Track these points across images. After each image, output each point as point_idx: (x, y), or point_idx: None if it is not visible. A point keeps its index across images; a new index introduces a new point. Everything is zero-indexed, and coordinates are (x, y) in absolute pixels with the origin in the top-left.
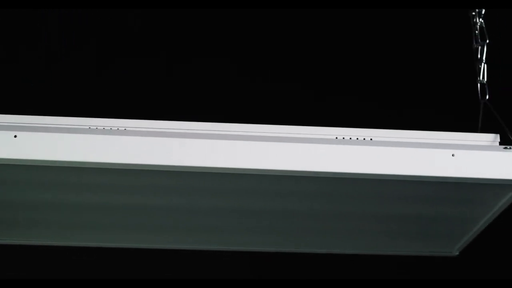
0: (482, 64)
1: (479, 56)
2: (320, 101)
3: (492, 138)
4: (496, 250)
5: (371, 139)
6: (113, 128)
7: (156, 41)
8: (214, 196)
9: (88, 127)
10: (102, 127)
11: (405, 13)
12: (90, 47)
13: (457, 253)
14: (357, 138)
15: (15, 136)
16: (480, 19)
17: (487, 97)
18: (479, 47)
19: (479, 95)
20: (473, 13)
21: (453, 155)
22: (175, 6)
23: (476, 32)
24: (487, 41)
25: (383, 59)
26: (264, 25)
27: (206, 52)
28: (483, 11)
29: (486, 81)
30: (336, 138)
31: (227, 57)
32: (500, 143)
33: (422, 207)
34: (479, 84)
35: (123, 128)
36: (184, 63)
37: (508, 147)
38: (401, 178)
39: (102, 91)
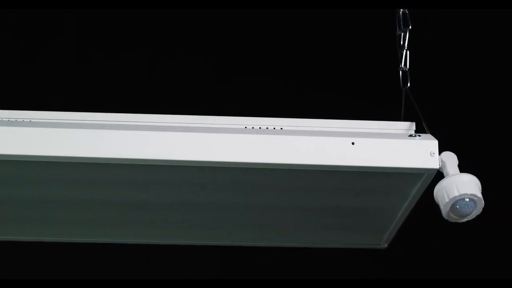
0: (404, 50)
1: (401, 42)
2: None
3: (407, 126)
4: (422, 241)
5: (281, 128)
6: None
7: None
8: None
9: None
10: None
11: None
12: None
13: (386, 246)
14: (267, 128)
15: None
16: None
17: (408, 84)
18: (402, 34)
19: (401, 82)
20: None
21: (353, 143)
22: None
23: (400, 18)
24: (410, 27)
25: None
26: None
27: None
28: None
29: (408, 68)
30: (246, 127)
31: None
32: (416, 131)
33: (339, 199)
34: (401, 71)
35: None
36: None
37: (414, 135)
38: (303, 168)
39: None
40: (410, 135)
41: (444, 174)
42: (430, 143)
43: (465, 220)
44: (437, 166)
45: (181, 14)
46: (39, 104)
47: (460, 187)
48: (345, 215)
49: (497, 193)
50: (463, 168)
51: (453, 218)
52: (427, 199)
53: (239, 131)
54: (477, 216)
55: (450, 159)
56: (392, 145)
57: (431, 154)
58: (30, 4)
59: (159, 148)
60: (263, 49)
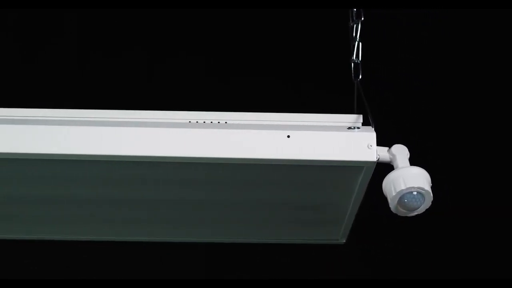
0: (356, 42)
1: (353, 34)
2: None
3: (354, 119)
4: (381, 236)
5: (226, 123)
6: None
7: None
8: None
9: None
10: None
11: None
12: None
13: (344, 241)
14: (211, 122)
15: None
16: None
17: (360, 77)
18: (354, 25)
19: (352, 74)
20: None
21: (288, 136)
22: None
23: (354, 10)
24: (362, 19)
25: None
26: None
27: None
28: None
29: (360, 61)
30: (190, 122)
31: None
32: (364, 124)
33: (287, 193)
34: (352, 64)
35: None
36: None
37: (353, 127)
38: (239, 162)
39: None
40: (349, 128)
41: (394, 167)
42: (367, 135)
43: (414, 214)
44: (374, 159)
45: (181, 14)
46: (39, 104)
47: (407, 180)
48: (296, 209)
49: (454, 187)
50: (421, 163)
51: (402, 212)
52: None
53: (180, 126)
54: (427, 210)
55: (401, 152)
56: (329, 138)
57: (368, 147)
58: (30, 4)
59: (99, 143)
60: (262, 49)
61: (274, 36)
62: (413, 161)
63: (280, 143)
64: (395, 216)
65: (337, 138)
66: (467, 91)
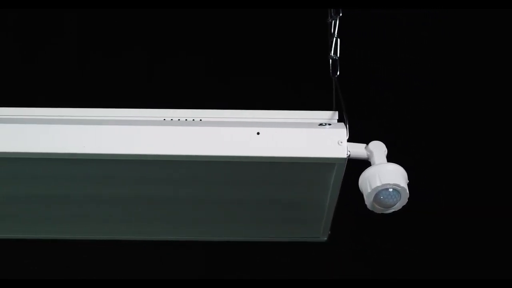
0: (334, 38)
1: (332, 30)
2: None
3: (329, 116)
4: (362, 232)
5: (200, 120)
6: None
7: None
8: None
9: None
10: None
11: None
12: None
13: (325, 238)
14: (186, 119)
15: None
16: None
17: (338, 73)
18: (333, 21)
19: (330, 71)
20: None
21: (258, 133)
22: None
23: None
24: (340, 14)
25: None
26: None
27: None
28: None
29: (338, 57)
30: (164, 119)
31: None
32: (339, 121)
33: (263, 191)
34: (330, 60)
35: None
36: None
37: (324, 123)
38: (208, 159)
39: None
40: (320, 124)
41: (371, 163)
42: (338, 131)
43: (391, 211)
44: (344, 155)
45: (181, 14)
46: (39, 104)
47: (383, 177)
48: (274, 207)
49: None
50: (420, 162)
51: (378, 209)
52: None
53: (155, 123)
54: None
55: (378, 149)
56: (298, 134)
57: (338, 143)
58: (30, 4)
59: (75, 142)
60: (262, 49)
61: (274, 36)
62: (410, 160)
63: (250, 140)
64: (379, 214)
65: (307, 135)
66: (466, 91)
